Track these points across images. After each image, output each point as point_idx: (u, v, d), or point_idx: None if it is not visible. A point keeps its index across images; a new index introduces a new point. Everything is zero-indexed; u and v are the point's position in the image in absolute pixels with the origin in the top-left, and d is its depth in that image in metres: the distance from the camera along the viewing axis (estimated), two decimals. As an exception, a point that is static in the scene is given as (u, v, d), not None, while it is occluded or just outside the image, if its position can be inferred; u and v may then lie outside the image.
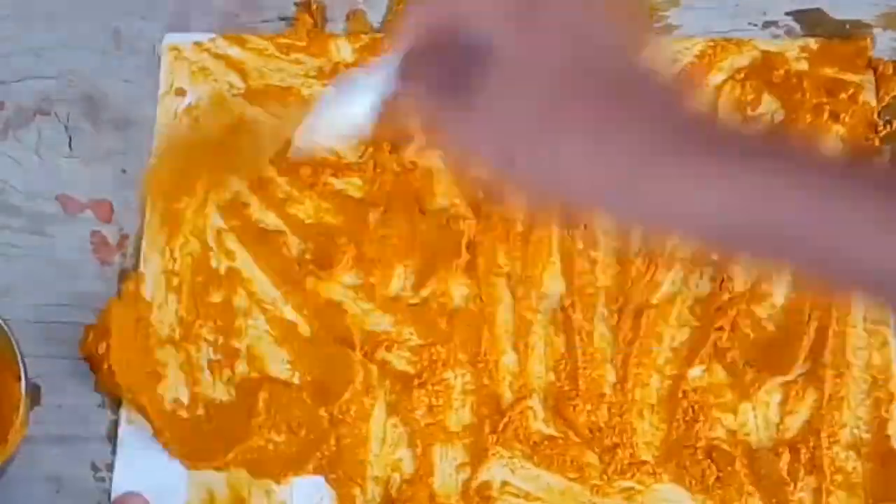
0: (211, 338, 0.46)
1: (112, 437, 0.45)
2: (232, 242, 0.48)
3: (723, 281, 0.45)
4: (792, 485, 0.43)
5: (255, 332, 0.46)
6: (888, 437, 0.43)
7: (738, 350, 0.45)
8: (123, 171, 0.49)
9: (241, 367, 0.46)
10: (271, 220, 0.48)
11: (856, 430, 0.43)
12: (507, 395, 0.45)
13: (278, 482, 0.44)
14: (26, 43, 0.51)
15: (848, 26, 0.49)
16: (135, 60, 0.51)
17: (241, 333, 0.46)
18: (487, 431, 0.44)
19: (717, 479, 0.43)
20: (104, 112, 0.50)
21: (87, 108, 0.50)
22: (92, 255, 0.48)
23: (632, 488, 0.44)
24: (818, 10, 0.50)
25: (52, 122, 0.50)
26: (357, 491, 0.44)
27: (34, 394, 0.45)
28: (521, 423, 0.45)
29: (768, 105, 0.48)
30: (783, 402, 0.44)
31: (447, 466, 0.44)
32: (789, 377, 0.44)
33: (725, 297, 0.45)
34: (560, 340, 0.46)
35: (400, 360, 0.46)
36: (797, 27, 0.49)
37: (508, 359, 0.46)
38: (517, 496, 0.44)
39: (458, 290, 0.47)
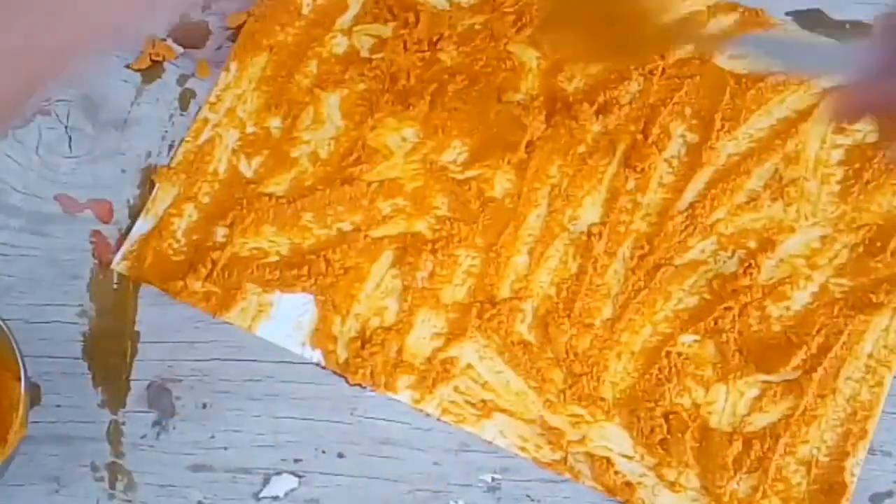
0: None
1: (112, 437, 0.45)
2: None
3: (749, 266, 0.45)
4: (732, 474, 0.43)
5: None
6: (843, 468, 0.42)
7: (735, 335, 0.44)
8: (123, 171, 0.49)
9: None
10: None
11: (815, 451, 0.43)
12: (505, 292, 0.46)
13: (265, 291, 0.47)
14: None
15: (847, 26, 0.48)
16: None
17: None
18: (474, 315, 0.46)
19: (664, 440, 0.43)
20: (104, 112, 0.50)
21: (87, 108, 0.50)
22: (91, 255, 0.48)
23: (581, 416, 0.44)
24: (818, 10, 0.48)
25: (51, 122, 0.50)
26: (337, 319, 0.46)
27: (34, 393, 0.45)
28: (507, 319, 0.46)
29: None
30: (757, 399, 0.44)
31: (425, 330, 0.46)
32: (773, 378, 0.44)
33: (746, 282, 0.45)
34: (574, 263, 0.46)
35: (422, 222, 0.47)
36: (797, 28, 0.48)
37: (520, 260, 0.47)
38: (475, 381, 0.45)
39: (502, 183, 0.48)
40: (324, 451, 0.45)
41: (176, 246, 0.47)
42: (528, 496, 0.44)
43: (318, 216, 0.47)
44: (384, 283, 0.47)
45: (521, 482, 0.45)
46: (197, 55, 0.50)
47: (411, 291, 0.46)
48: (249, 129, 0.49)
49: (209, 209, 0.48)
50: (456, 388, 0.45)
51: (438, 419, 0.45)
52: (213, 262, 0.47)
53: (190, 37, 0.50)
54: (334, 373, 0.46)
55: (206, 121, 0.49)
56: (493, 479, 0.45)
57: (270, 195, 0.48)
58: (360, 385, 0.45)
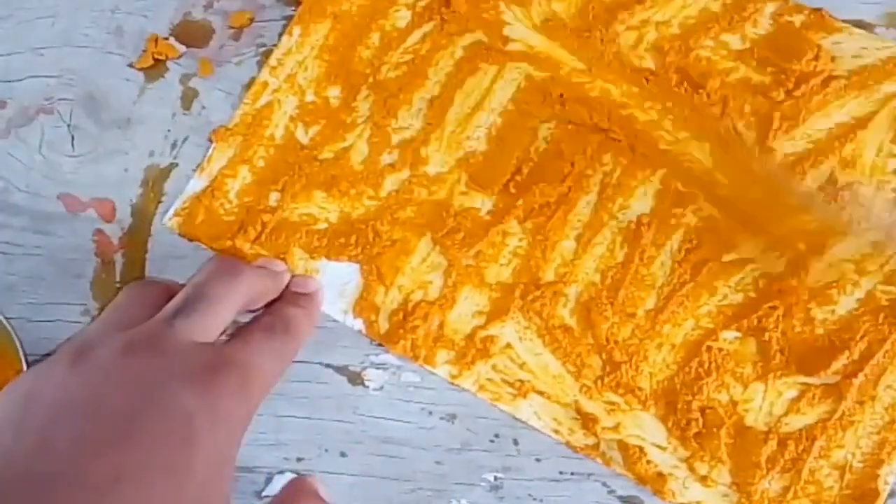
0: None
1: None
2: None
3: (797, 267, 0.45)
4: (764, 472, 0.43)
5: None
6: (877, 476, 0.42)
7: (778, 335, 0.44)
8: (126, 171, 0.49)
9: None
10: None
11: (850, 456, 0.43)
12: (549, 275, 0.46)
13: (311, 257, 0.47)
14: (28, 42, 0.51)
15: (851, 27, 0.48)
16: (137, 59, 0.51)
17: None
18: (517, 296, 0.46)
19: (699, 434, 0.43)
20: (106, 111, 0.50)
21: (90, 107, 0.50)
22: (94, 254, 0.48)
23: (616, 404, 0.45)
24: (819, 10, 0.48)
25: (54, 120, 0.50)
26: (381, 289, 0.47)
27: (36, 392, 0.46)
28: (550, 303, 0.46)
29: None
30: (795, 400, 0.44)
31: (467, 307, 0.46)
32: (812, 381, 0.44)
33: (794, 283, 0.44)
34: (621, 252, 0.46)
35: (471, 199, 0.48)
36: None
37: (567, 245, 0.47)
38: (513, 361, 0.46)
39: (555, 167, 0.48)
40: (326, 450, 0.46)
41: (228, 206, 0.48)
42: (530, 495, 0.45)
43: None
44: (430, 258, 0.47)
45: (523, 481, 0.45)
46: (199, 54, 0.50)
47: (456, 268, 0.47)
48: (308, 98, 0.49)
49: (263, 173, 0.48)
50: (494, 367, 0.46)
51: (474, 395, 0.45)
52: (264, 225, 0.47)
53: (192, 36, 0.50)
54: (336, 372, 0.46)
55: (265, 84, 0.49)
56: (495, 478, 0.45)
57: (322, 161, 0.48)
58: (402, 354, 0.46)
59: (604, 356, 0.45)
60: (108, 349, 0.35)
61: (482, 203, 0.47)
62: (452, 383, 0.46)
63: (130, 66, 0.50)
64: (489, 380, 0.45)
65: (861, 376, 0.43)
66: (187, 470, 0.33)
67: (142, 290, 0.41)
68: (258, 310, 0.44)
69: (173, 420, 0.33)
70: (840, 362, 0.43)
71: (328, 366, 0.47)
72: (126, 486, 0.31)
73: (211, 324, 0.38)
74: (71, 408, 0.33)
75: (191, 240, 0.48)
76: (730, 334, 0.45)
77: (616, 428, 0.44)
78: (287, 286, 0.45)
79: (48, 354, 0.47)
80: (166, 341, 0.36)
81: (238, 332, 0.40)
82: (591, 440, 0.44)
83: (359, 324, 0.47)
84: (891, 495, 0.42)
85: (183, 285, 0.40)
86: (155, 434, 0.33)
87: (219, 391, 0.35)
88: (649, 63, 0.48)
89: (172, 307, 0.38)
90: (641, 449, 0.44)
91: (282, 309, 0.43)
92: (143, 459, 0.32)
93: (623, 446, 0.44)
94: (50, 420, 0.33)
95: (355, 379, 0.46)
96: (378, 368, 0.47)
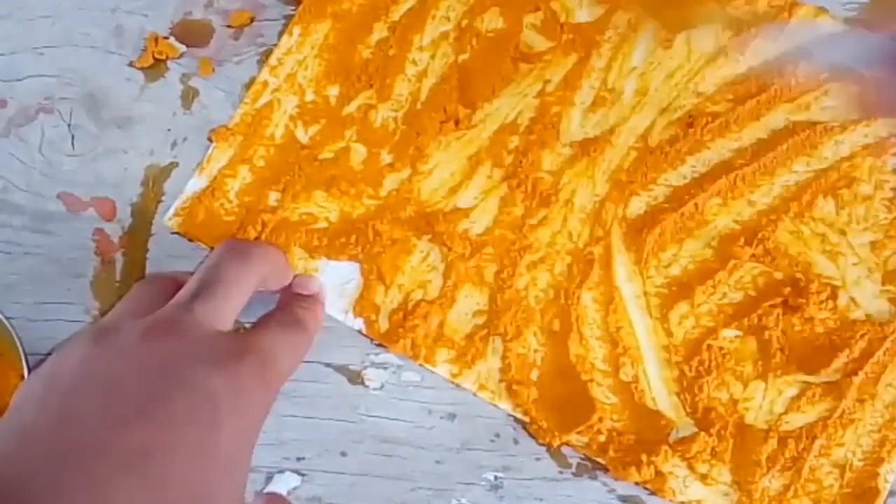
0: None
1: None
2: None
3: (797, 266, 0.45)
4: (765, 471, 0.43)
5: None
6: (877, 474, 0.42)
7: (778, 333, 0.44)
8: (125, 170, 0.49)
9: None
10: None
11: (850, 454, 0.43)
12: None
13: (312, 257, 0.47)
14: (28, 41, 0.51)
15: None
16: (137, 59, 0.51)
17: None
18: (517, 295, 0.46)
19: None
20: (106, 110, 0.50)
21: (90, 106, 0.50)
22: (94, 253, 0.48)
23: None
24: (820, 9, 0.48)
25: (54, 120, 0.50)
26: (381, 289, 0.47)
27: (36, 391, 0.46)
28: (550, 302, 0.46)
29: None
30: (795, 399, 0.44)
31: (467, 307, 0.46)
32: (813, 379, 0.44)
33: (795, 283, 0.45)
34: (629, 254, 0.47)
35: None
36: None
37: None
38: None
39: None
40: (326, 450, 0.46)
41: (228, 206, 0.48)
42: (530, 495, 0.45)
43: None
44: (429, 258, 0.47)
45: (523, 481, 0.45)
46: (199, 53, 0.50)
47: (455, 268, 0.46)
48: (308, 97, 0.49)
49: (263, 173, 0.48)
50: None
51: (474, 394, 0.45)
52: (264, 224, 0.47)
53: (192, 35, 0.50)
54: (336, 371, 0.46)
55: (265, 84, 0.49)
56: (495, 477, 0.45)
57: (322, 160, 0.48)
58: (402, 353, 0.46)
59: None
60: (130, 332, 0.36)
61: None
62: (452, 382, 0.46)
63: (130, 65, 0.50)
64: (489, 379, 0.45)
65: (861, 374, 0.43)
66: (211, 450, 0.33)
67: (155, 283, 0.41)
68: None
69: (199, 401, 0.34)
70: (840, 360, 0.43)
71: (328, 365, 0.47)
72: (152, 462, 0.31)
73: (228, 308, 0.38)
74: (95, 383, 0.33)
75: (191, 239, 0.48)
76: (730, 333, 0.45)
77: (616, 427, 0.44)
78: (289, 287, 0.45)
79: (48, 354, 0.47)
80: (187, 325, 0.36)
81: (256, 324, 0.41)
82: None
83: (359, 323, 0.47)
84: (891, 494, 0.43)
85: (189, 275, 0.40)
86: (181, 413, 0.33)
87: (242, 375, 0.36)
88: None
89: (188, 292, 0.38)
90: (642, 447, 0.44)
91: (290, 308, 0.43)
92: (169, 437, 0.32)
93: (623, 445, 0.44)
94: (73, 394, 0.33)
95: (355, 378, 0.46)
96: (378, 368, 0.47)
